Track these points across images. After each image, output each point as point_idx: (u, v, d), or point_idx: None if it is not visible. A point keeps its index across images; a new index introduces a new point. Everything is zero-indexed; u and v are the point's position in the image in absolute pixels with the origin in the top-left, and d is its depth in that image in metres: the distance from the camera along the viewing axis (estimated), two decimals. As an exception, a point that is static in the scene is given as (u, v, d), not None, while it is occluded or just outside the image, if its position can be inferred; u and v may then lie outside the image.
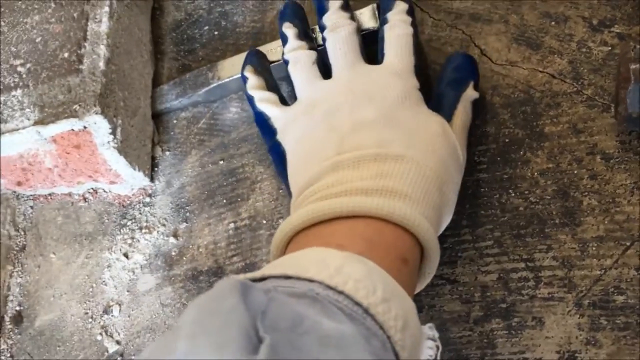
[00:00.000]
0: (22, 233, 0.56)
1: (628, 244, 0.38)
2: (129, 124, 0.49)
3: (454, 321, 0.41)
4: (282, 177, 0.43)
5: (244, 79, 0.45)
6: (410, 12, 0.43)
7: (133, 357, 0.48)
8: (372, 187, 0.36)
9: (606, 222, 0.39)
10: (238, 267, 0.48)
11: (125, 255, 0.51)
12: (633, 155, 0.40)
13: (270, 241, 0.43)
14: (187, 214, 0.51)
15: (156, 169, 0.53)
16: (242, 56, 0.48)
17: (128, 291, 0.50)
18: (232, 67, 0.51)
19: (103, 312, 0.51)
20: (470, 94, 0.41)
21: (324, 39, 0.44)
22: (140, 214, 0.52)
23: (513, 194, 0.42)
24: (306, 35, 0.45)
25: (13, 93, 0.48)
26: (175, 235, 0.51)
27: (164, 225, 0.51)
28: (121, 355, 0.49)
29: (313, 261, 0.30)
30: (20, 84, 0.49)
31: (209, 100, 0.53)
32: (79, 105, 0.46)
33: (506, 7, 0.46)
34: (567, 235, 0.40)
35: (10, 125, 0.47)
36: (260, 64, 0.46)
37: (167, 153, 0.53)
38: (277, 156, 0.43)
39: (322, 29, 0.44)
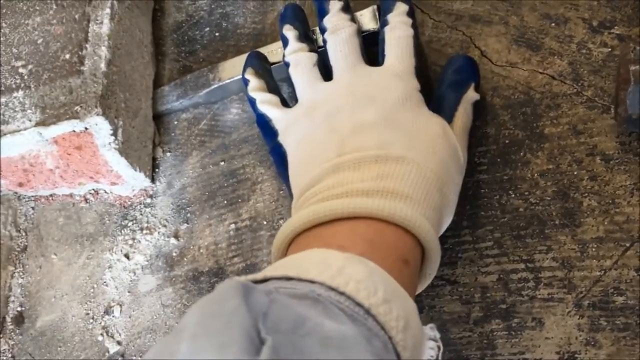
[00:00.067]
0: (24, 234, 0.56)
1: (628, 245, 0.38)
2: (130, 125, 0.49)
3: (454, 322, 0.41)
4: (283, 179, 0.43)
5: (245, 82, 0.45)
6: (411, 13, 0.43)
7: (134, 358, 0.49)
8: (372, 189, 0.36)
9: (606, 223, 0.39)
10: (239, 267, 0.48)
11: (126, 256, 0.52)
12: (633, 157, 0.40)
13: (271, 242, 0.43)
14: (188, 214, 0.51)
15: (157, 170, 0.53)
16: (243, 57, 0.48)
17: (129, 292, 0.51)
18: (233, 68, 0.51)
19: (104, 312, 0.51)
20: (471, 95, 0.41)
21: (324, 41, 0.44)
22: (141, 214, 0.52)
23: (513, 195, 0.42)
24: (307, 37, 0.45)
25: (14, 94, 0.48)
26: (176, 236, 0.51)
27: (164, 226, 0.51)
28: (122, 355, 0.49)
29: (314, 262, 0.30)
30: (22, 85, 0.49)
31: (210, 101, 0.53)
32: (80, 107, 0.46)
33: (506, 8, 0.46)
34: (567, 236, 0.40)
35: (11, 127, 0.47)
36: (261, 66, 0.46)
37: (168, 154, 0.53)
38: (278, 157, 0.43)
39: (323, 31, 0.44)
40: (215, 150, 0.52)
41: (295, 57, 0.44)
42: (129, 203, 0.53)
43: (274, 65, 0.47)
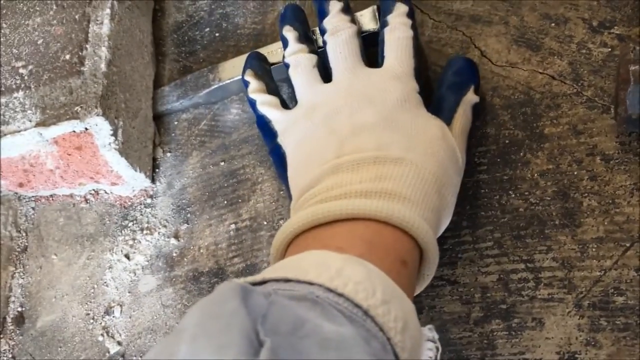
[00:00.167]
0: (24, 234, 0.56)
1: (628, 245, 0.38)
2: (130, 126, 0.50)
3: (454, 322, 0.41)
4: (283, 180, 0.43)
5: (245, 83, 0.45)
6: (411, 14, 0.43)
7: (135, 359, 0.49)
8: (371, 190, 0.36)
9: (606, 223, 0.39)
10: (239, 268, 0.48)
11: (127, 256, 0.52)
12: (633, 157, 0.40)
13: (271, 242, 0.43)
14: (188, 215, 0.51)
15: (157, 170, 0.53)
16: (243, 58, 0.48)
17: (129, 292, 0.51)
18: (233, 68, 0.51)
19: (104, 313, 0.51)
20: (471, 97, 0.41)
21: (324, 42, 0.44)
22: (142, 215, 0.52)
23: (513, 195, 0.42)
24: (307, 38, 0.45)
25: (15, 95, 0.49)
26: (176, 237, 0.51)
27: (165, 226, 0.51)
28: (122, 356, 0.49)
29: (313, 264, 0.30)
30: (22, 85, 0.49)
31: (210, 101, 0.53)
32: (81, 107, 0.46)
33: (506, 8, 0.46)
34: (567, 237, 0.40)
35: (12, 127, 0.47)
36: (261, 68, 0.46)
37: (168, 154, 0.53)
38: (278, 158, 0.43)
39: (323, 32, 0.44)
40: (215, 151, 0.52)
41: (295, 58, 0.44)
42: (129, 203, 0.53)
43: (273, 66, 0.47)
